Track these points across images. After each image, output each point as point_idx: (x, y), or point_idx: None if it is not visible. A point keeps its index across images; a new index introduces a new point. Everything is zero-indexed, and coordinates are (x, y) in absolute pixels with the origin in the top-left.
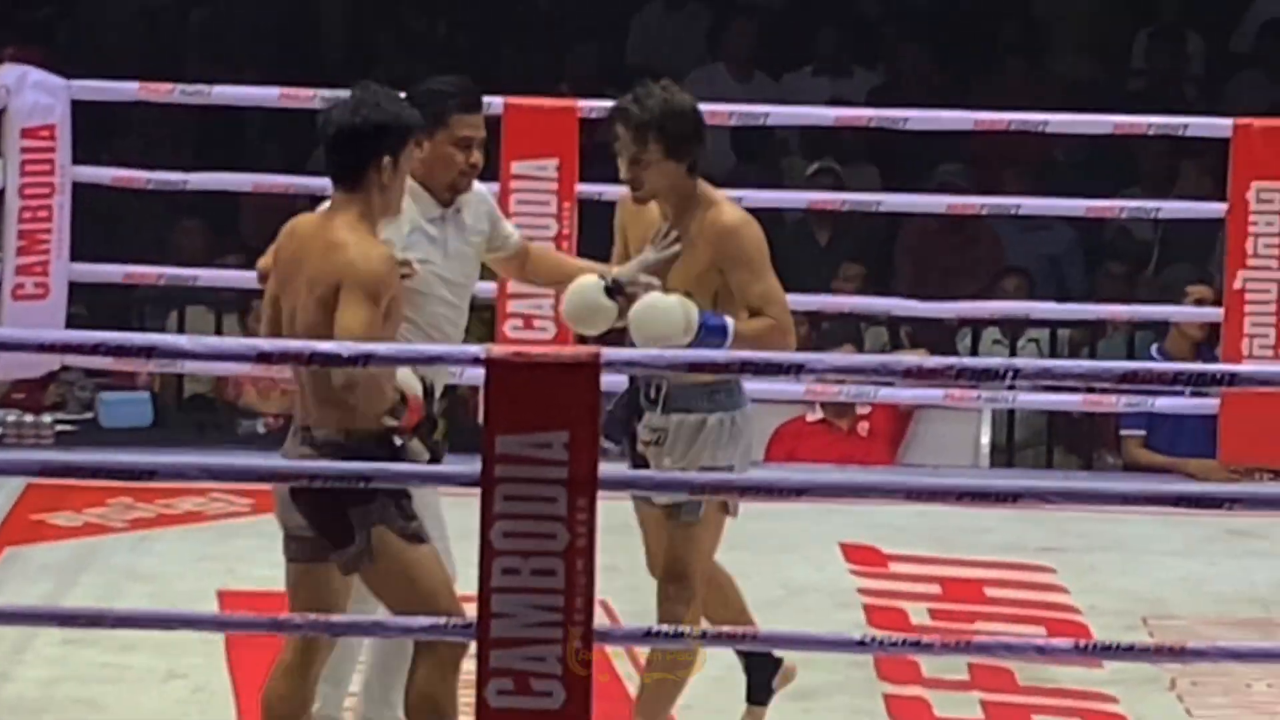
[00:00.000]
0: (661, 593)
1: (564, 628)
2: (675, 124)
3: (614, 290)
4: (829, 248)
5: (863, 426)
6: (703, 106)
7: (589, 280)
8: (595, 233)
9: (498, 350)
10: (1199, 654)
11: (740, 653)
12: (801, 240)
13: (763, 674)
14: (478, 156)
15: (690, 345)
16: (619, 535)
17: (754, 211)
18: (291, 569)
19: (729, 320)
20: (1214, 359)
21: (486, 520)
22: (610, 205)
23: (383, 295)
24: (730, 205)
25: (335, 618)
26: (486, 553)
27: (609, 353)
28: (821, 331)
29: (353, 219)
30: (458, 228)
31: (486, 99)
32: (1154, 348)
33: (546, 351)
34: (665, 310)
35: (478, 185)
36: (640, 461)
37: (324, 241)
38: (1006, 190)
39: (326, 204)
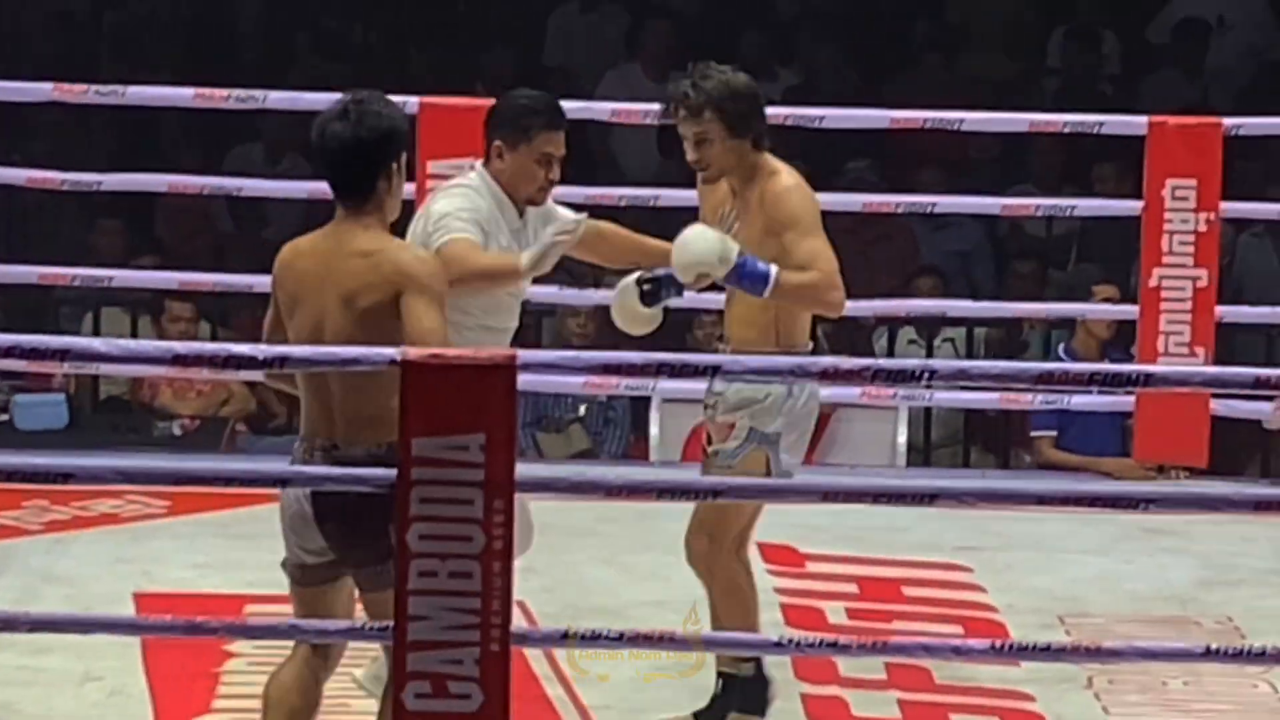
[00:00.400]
0: (690, 546)
1: (481, 630)
2: (734, 103)
3: (650, 294)
4: None
5: None
6: (619, 107)
7: (629, 285)
8: None
9: (413, 353)
10: (1115, 653)
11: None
12: None
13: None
14: (556, 172)
15: (729, 282)
16: (536, 536)
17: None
18: (303, 593)
19: (773, 268)
20: (1121, 358)
21: (403, 523)
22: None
23: (444, 296)
24: (787, 173)
25: (252, 622)
26: (403, 555)
27: (525, 355)
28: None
29: (374, 228)
30: (527, 239)
31: (401, 99)
32: (1061, 347)
33: (463, 354)
34: (704, 237)
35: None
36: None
37: (357, 253)
38: (922, 189)
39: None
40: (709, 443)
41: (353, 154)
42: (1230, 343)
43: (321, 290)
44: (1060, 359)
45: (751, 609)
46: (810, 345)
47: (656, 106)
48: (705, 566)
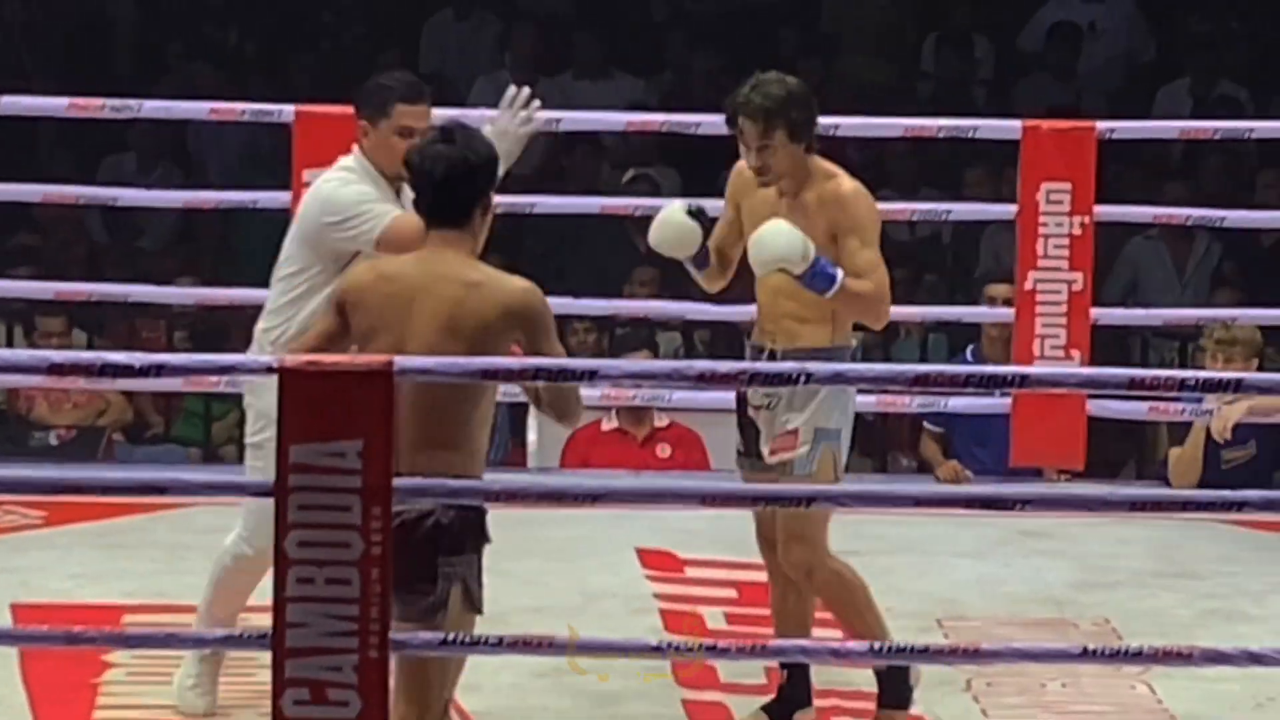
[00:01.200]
0: (786, 556)
1: (360, 637)
2: (798, 110)
3: (697, 213)
4: (649, 251)
5: (662, 449)
6: (490, 113)
7: (673, 206)
8: None
9: (290, 359)
10: (993, 654)
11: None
12: (619, 244)
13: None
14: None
15: (800, 280)
16: None
17: (557, 218)
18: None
19: (840, 271)
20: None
21: (281, 530)
22: None
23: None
24: (847, 177)
25: (130, 632)
26: (281, 562)
27: (401, 361)
28: (616, 337)
29: (468, 255)
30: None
31: (276, 107)
32: (969, 350)
33: (340, 360)
34: (788, 233)
35: None
36: (749, 425)
37: (460, 281)
38: None
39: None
40: (754, 443)
41: (458, 177)
42: (1110, 345)
43: (409, 315)
44: (968, 362)
45: (869, 597)
46: (854, 344)
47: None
48: (807, 573)
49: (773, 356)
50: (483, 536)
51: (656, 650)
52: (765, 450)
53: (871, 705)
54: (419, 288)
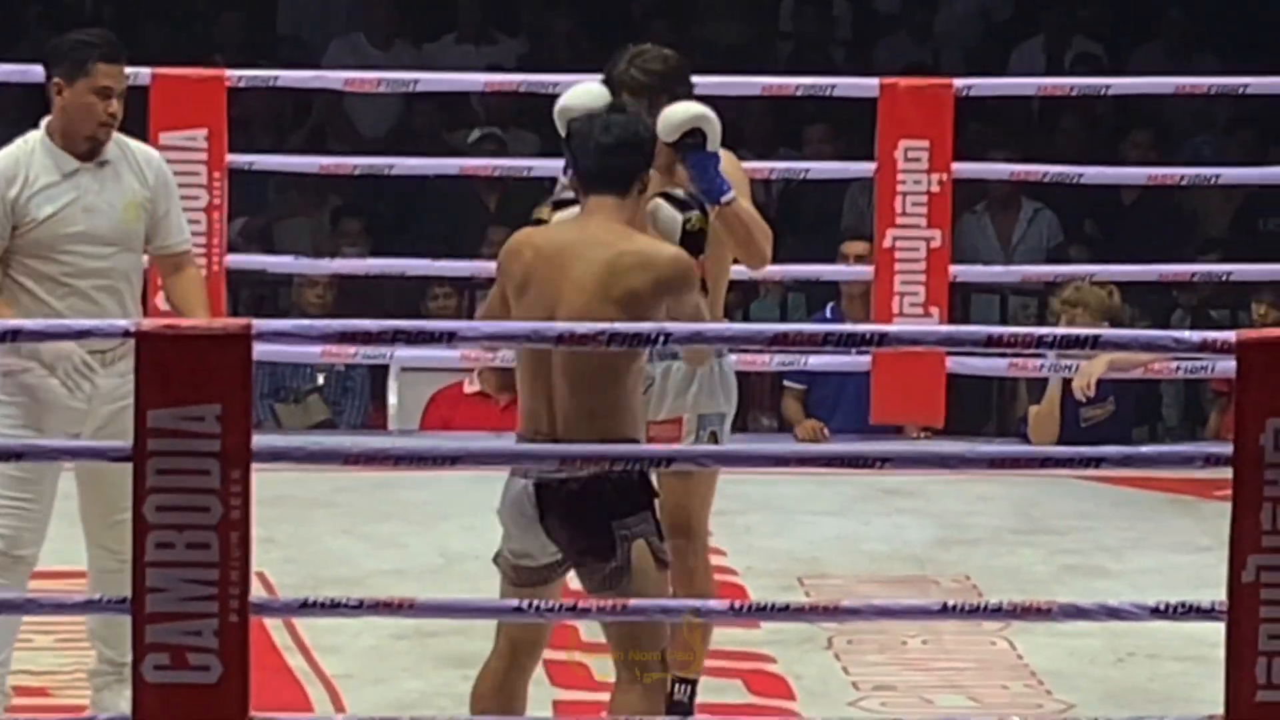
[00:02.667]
0: (672, 549)
1: (220, 601)
2: (680, 85)
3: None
4: (498, 211)
5: None
6: (349, 75)
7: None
8: (245, 203)
9: (147, 323)
10: (854, 612)
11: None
12: (470, 205)
13: None
14: (116, 107)
15: (700, 164)
16: (275, 507)
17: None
18: (516, 592)
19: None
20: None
21: (139, 495)
22: (260, 175)
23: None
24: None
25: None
26: (140, 527)
27: (260, 324)
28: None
29: (624, 224)
30: (101, 183)
31: (133, 70)
32: (829, 308)
33: (197, 324)
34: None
35: (158, 160)
36: None
37: (612, 250)
38: None
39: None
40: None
41: (630, 145)
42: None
43: (562, 278)
44: (827, 320)
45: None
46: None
47: (389, 75)
48: (685, 569)
49: None
50: (652, 492)
51: (518, 611)
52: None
53: (735, 664)
54: (572, 252)
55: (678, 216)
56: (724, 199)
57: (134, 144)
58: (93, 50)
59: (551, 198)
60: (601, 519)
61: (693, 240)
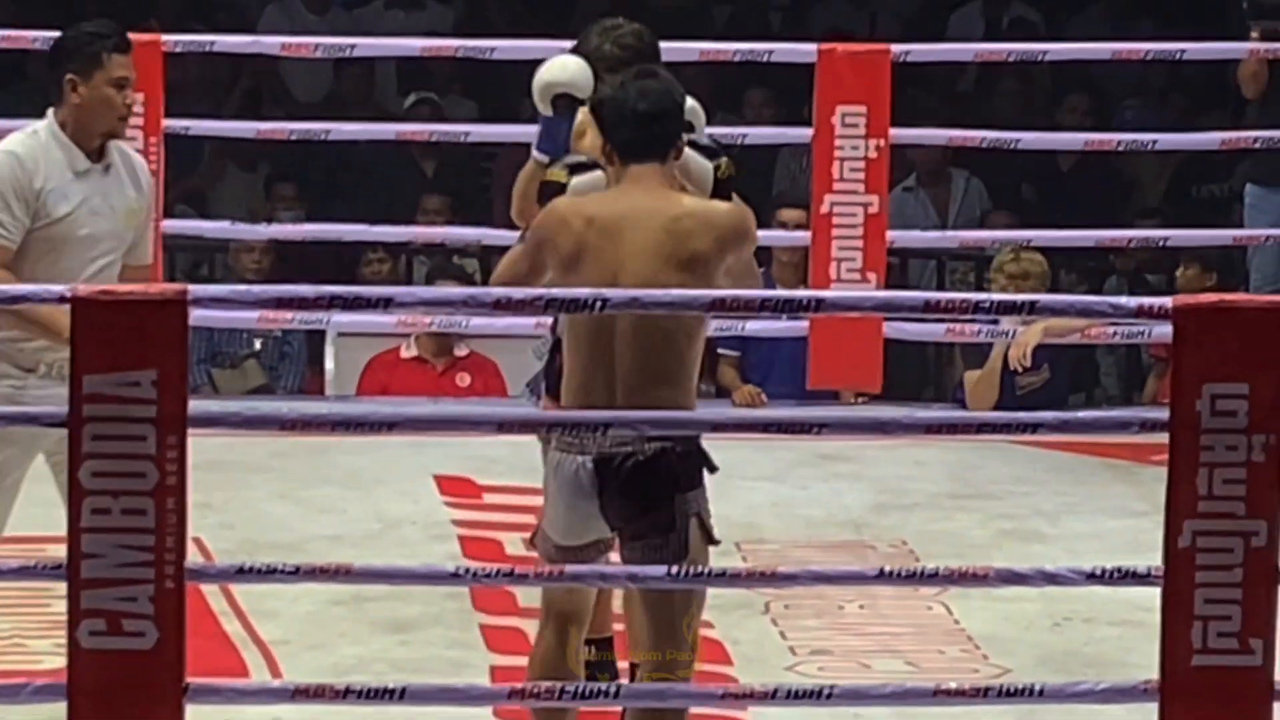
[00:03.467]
0: None
1: (155, 567)
2: (654, 59)
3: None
4: (434, 176)
5: (461, 378)
6: (286, 40)
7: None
8: (182, 167)
9: (83, 289)
10: (791, 577)
11: None
12: (406, 170)
13: None
14: (132, 98)
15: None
16: (211, 472)
17: (346, 144)
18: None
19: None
20: None
21: (75, 460)
22: (197, 140)
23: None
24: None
25: None
26: (75, 493)
27: (197, 290)
28: (433, 267)
29: (668, 188)
30: (106, 187)
31: None
32: (760, 273)
33: (134, 290)
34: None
35: (146, 168)
36: None
37: (667, 215)
38: None
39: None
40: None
41: (668, 111)
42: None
43: (619, 246)
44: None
45: None
46: None
47: (326, 40)
48: None
49: None
50: (710, 465)
51: (455, 576)
52: None
53: None
54: (626, 221)
55: (708, 165)
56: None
57: (129, 150)
58: (105, 41)
59: (563, 161)
60: (666, 492)
61: (725, 186)
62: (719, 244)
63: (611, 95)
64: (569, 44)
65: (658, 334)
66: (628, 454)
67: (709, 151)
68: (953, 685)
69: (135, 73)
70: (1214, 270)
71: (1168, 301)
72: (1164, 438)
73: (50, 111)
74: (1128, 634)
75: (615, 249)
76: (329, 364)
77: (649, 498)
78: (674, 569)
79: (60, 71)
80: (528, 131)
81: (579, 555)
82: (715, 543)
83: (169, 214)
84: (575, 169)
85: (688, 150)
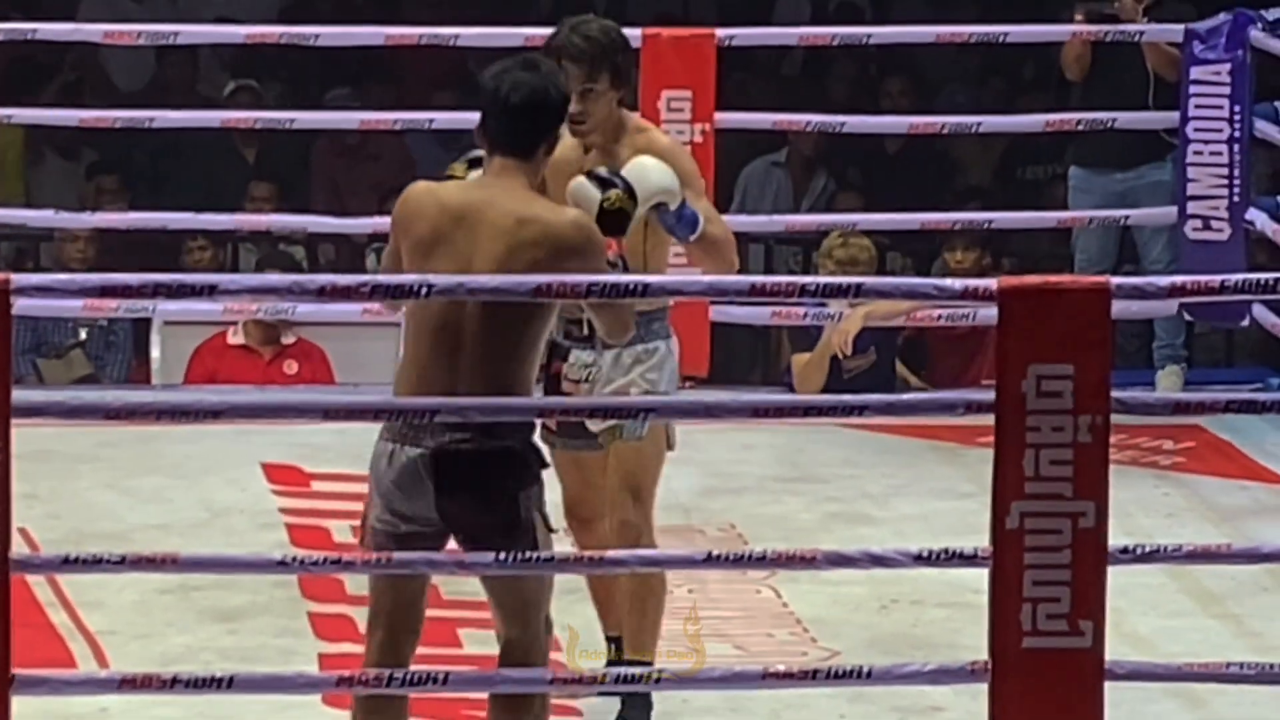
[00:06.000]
0: (622, 513)
1: None
2: (622, 55)
3: (605, 181)
4: (256, 164)
5: (289, 365)
6: (109, 28)
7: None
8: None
9: None
10: (619, 562)
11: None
12: (227, 158)
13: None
14: None
15: (671, 218)
16: (37, 463)
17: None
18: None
19: (700, 214)
20: None
21: None
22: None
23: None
24: (658, 130)
25: None
26: None
27: (20, 279)
28: (263, 255)
29: (529, 188)
30: None
31: None
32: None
33: None
34: (660, 166)
35: None
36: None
37: (513, 217)
38: (434, 105)
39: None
40: (570, 423)
41: (537, 107)
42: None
43: (473, 236)
44: None
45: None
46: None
47: (149, 27)
48: (633, 537)
49: (589, 325)
50: (543, 461)
51: (283, 565)
52: (589, 423)
53: None
54: (479, 216)
55: (595, 195)
56: (694, 237)
57: None
58: None
59: (465, 155)
60: (509, 489)
61: (611, 219)
62: (554, 256)
63: (489, 83)
64: (393, 31)
65: (507, 327)
66: (469, 449)
67: (603, 182)
68: (781, 668)
69: None
70: (981, 249)
71: (992, 283)
72: (990, 419)
73: None
74: (956, 615)
75: (469, 239)
76: (155, 352)
77: (487, 495)
78: (502, 555)
79: None
80: (346, 118)
81: (406, 545)
82: (554, 531)
83: None
84: (474, 164)
85: (578, 177)
